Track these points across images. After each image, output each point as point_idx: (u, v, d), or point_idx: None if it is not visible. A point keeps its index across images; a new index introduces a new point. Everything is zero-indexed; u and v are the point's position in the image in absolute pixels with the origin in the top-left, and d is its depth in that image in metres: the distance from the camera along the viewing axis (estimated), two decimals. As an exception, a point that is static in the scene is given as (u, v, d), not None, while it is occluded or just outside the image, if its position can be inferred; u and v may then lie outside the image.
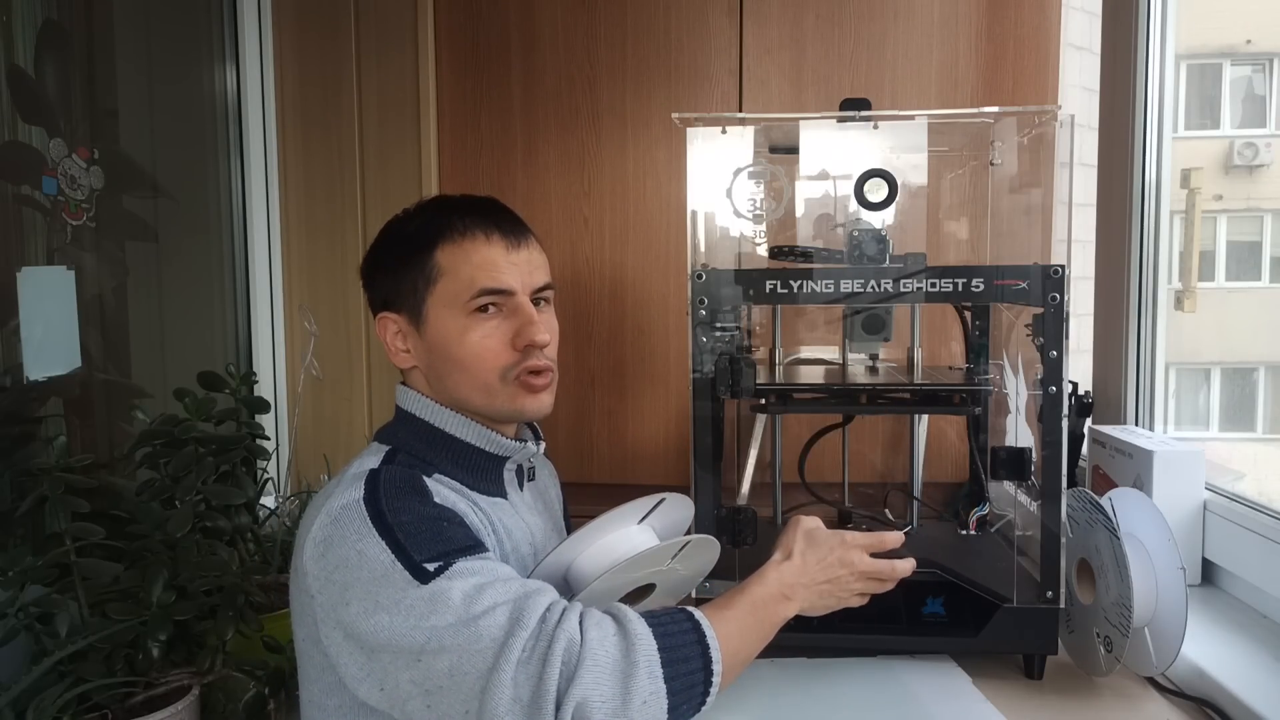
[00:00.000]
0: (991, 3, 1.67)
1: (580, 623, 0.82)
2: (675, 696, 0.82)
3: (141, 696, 1.09)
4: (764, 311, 1.43)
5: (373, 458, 0.97)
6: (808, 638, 1.21)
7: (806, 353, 1.49)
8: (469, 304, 0.97)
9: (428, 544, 0.85)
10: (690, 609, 0.90)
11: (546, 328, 0.99)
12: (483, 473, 1.01)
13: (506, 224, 1.01)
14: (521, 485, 1.08)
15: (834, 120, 1.25)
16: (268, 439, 1.49)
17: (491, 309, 0.98)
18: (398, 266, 0.99)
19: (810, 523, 1.04)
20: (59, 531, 1.14)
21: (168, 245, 1.65)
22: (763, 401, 1.26)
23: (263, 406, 1.49)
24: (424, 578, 0.82)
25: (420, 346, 1.00)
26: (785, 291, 1.18)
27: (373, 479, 0.90)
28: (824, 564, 0.99)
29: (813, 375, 1.43)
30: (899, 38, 1.68)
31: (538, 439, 1.10)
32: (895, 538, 1.04)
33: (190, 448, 1.30)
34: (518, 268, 0.99)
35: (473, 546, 0.88)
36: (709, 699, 0.86)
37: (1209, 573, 1.38)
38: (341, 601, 0.84)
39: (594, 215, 1.76)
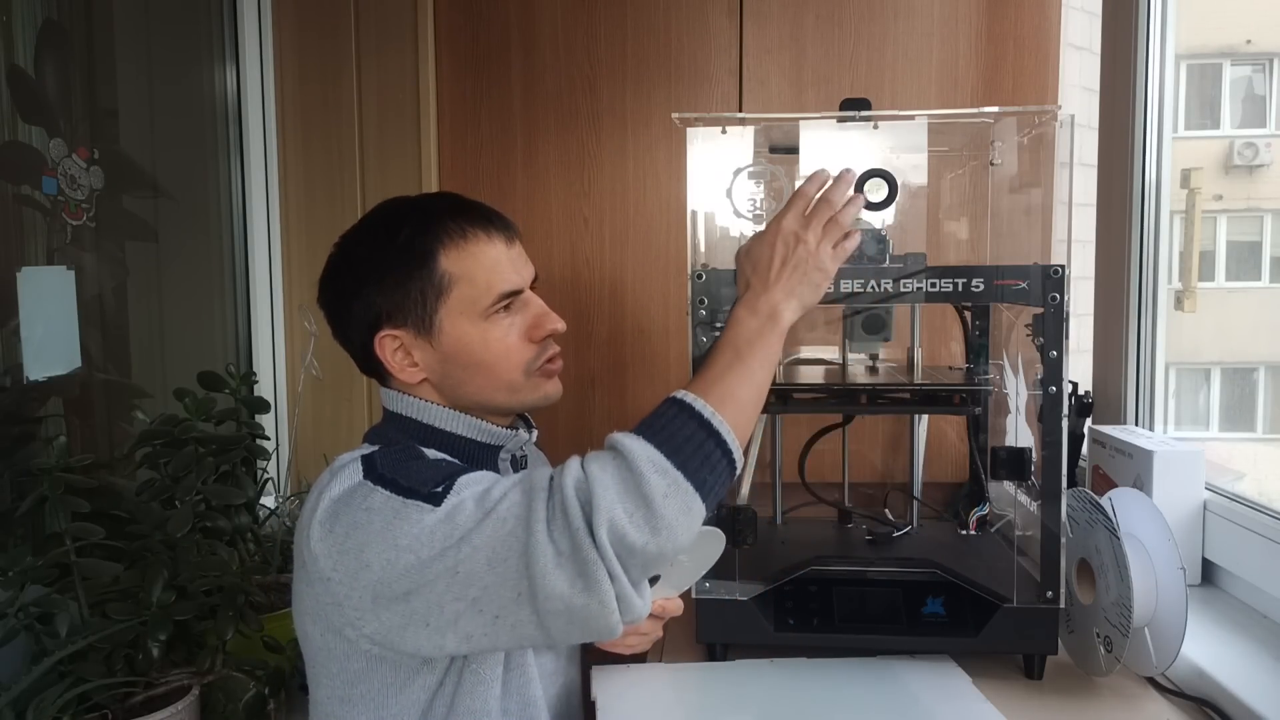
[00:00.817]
0: (991, 3, 1.67)
1: (582, 465, 0.84)
2: (695, 475, 0.84)
3: (141, 696, 1.09)
4: (764, 311, 1.42)
5: (362, 450, 0.97)
6: (808, 638, 1.21)
7: (806, 353, 1.49)
8: (488, 309, 0.97)
9: (431, 479, 0.87)
10: (675, 393, 0.91)
11: None
12: (478, 464, 1.01)
13: (497, 219, 1.01)
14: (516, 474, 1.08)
15: (834, 120, 1.25)
16: (268, 439, 1.50)
17: (505, 310, 0.98)
18: (395, 279, 0.96)
19: (747, 243, 1.01)
20: (59, 531, 1.14)
21: (168, 245, 1.65)
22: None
23: (263, 406, 1.49)
24: (435, 500, 0.84)
25: (433, 357, 0.98)
26: (785, 291, 1.18)
27: (368, 459, 0.91)
28: (775, 260, 0.97)
29: (813, 375, 1.43)
30: (899, 38, 1.68)
31: (530, 427, 1.09)
32: (819, 176, 1.02)
33: (190, 448, 1.30)
34: (518, 263, 1.01)
35: (471, 470, 0.90)
36: (736, 458, 0.88)
37: (1209, 573, 1.38)
38: (361, 565, 0.84)
39: (594, 215, 1.76)
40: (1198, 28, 7.56)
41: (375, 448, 0.97)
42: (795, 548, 1.32)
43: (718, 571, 1.11)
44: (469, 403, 1.00)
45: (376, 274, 0.96)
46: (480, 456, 1.02)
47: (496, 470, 1.04)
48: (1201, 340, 7.36)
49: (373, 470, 0.89)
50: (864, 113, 1.23)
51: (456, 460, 0.99)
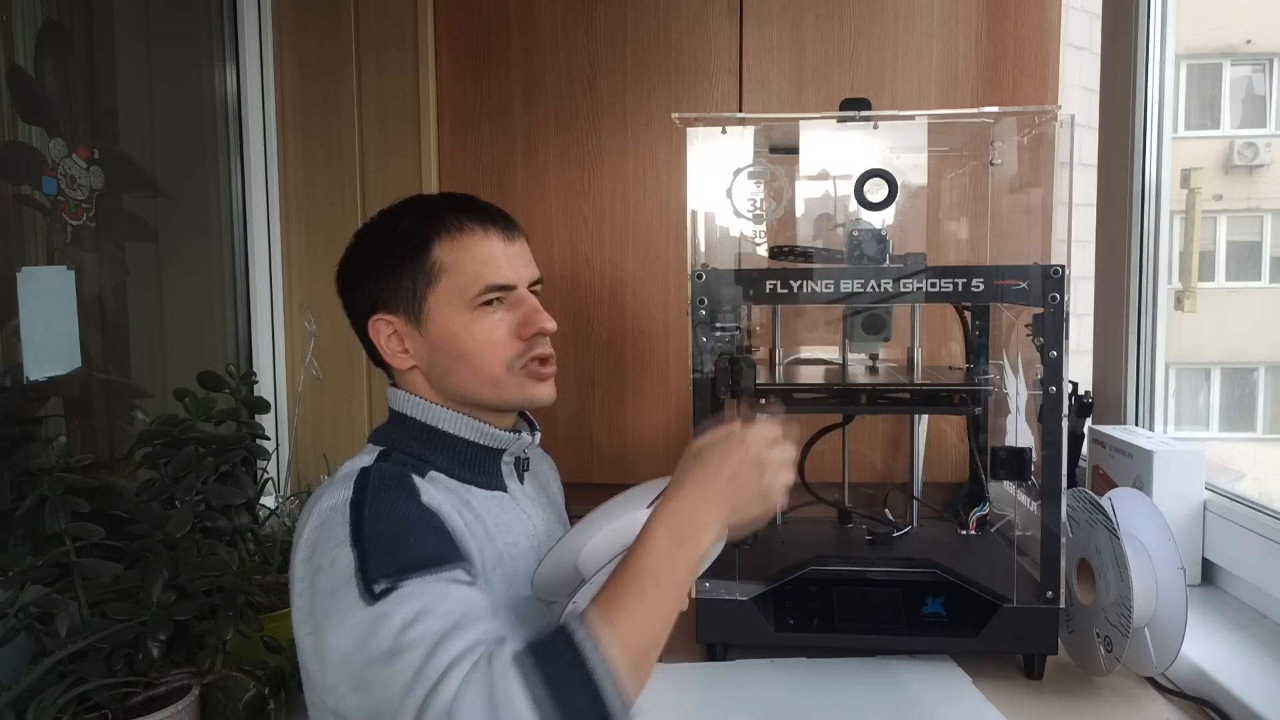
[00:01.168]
0: (991, 3, 1.67)
1: (459, 684, 0.75)
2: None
3: (141, 696, 1.09)
4: (764, 311, 1.43)
5: (366, 457, 0.97)
6: (808, 638, 1.21)
7: (806, 353, 1.49)
8: (475, 300, 0.97)
9: (391, 556, 0.83)
10: (569, 625, 0.79)
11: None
12: (480, 467, 1.01)
13: (500, 218, 1.02)
14: (521, 478, 1.08)
15: (834, 120, 1.25)
16: (268, 439, 1.49)
17: (495, 303, 0.99)
18: (391, 267, 0.99)
19: (700, 441, 0.89)
20: (59, 531, 1.14)
21: (168, 245, 1.65)
22: (763, 401, 1.26)
23: (263, 406, 1.49)
24: (371, 599, 0.80)
25: (421, 345, 0.99)
26: (785, 291, 1.18)
27: (362, 477, 0.90)
28: (720, 474, 0.85)
29: (813, 375, 1.43)
30: (899, 38, 1.68)
31: (533, 429, 1.09)
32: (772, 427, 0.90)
33: (190, 448, 1.30)
34: (515, 260, 1.01)
35: (435, 562, 0.84)
36: (611, 707, 0.77)
37: (1209, 573, 1.38)
38: (315, 606, 0.84)
39: (594, 215, 1.76)
40: (1198, 28, 7.57)
41: (380, 449, 0.98)
42: (795, 548, 1.32)
43: (718, 571, 1.11)
44: (456, 395, 1.00)
45: (375, 261, 1.00)
46: (482, 460, 1.02)
47: (500, 473, 1.04)
48: (1201, 340, 7.36)
49: (360, 501, 0.86)
50: (864, 113, 1.23)
51: (460, 481, 0.98)
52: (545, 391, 1.02)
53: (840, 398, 1.34)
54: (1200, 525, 1.37)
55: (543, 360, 1.01)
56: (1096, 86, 1.62)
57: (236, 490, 1.33)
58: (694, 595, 1.18)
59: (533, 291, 1.03)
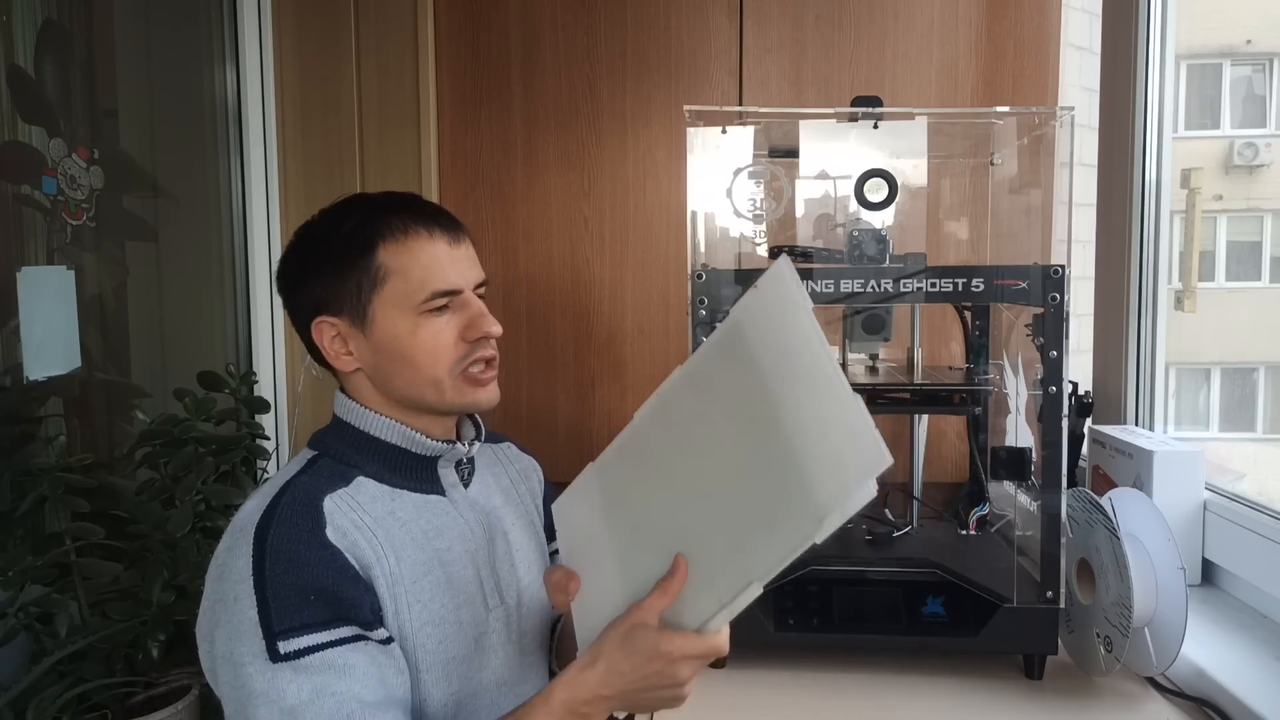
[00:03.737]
0: (991, 3, 1.67)
1: None
2: None
3: (141, 696, 1.09)
4: (764, 311, 1.43)
5: (295, 464, 0.97)
6: (808, 638, 1.21)
7: (806, 353, 1.49)
8: (421, 305, 0.96)
9: (293, 612, 0.85)
10: None
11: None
12: (412, 472, 1.00)
13: (445, 220, 1.00)
14: (466, 483, 1.05)
15: (835, 120, 1.25)
16: (268, 439, 1.49)
17: (442, 309, 0.97)
18: (334, 268, 0.97)
19: (638, 618, 0.85)
20: (59, 531, 1.14)
21: (168, 245, 1.65)
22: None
23: (263, 406, 1.49)
24: (274, 657, 0.83)
25: (366, 348, 0.98)
26: (785, 291, 1.18)
27: (274, 502, 0.90)
28: (638, 675, 0.84)
29: (813, 375, 1.43)
30: (899, 38, 1.68)
31: (479, 432, 1.07)
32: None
33: (190, 448, 1.30)
34: (461, 264, 0.99)
35: (333, 620, 0.86)
36: None
37: (1209, 573, 1.38)
38: (213, 632, 0.86)
39: (594, 215, 1.76)
40: (1198, 28, 7.56)
41: (313, 453, 0.98)
42: (795, 548, 1.32)
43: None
44: (399, 397, 0.99)
45: (319, 263, 0.98)
46: (414, 465, 1.00)
47: (437, 479, 1.02)
48: (1201, 340, 7.36)
49: (264, 532, 0.87)
50: (871, 109, 1.23)
51: (392, 485, 0.97)
52: (487, 396, 1.01)
53: (840, 398, 1.34)
54: (1200, 525, 1.37)
55: (485, 364, 1.00)
56: (1096, 86, 1.62)
57: (236, 490, 1.33)
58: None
59: (478, 294, 1.01)
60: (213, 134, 1.77)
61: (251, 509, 0.90)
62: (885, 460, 0.67)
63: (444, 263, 0.98)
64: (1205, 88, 7.86)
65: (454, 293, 0.98)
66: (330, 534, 0.89)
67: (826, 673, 1.20)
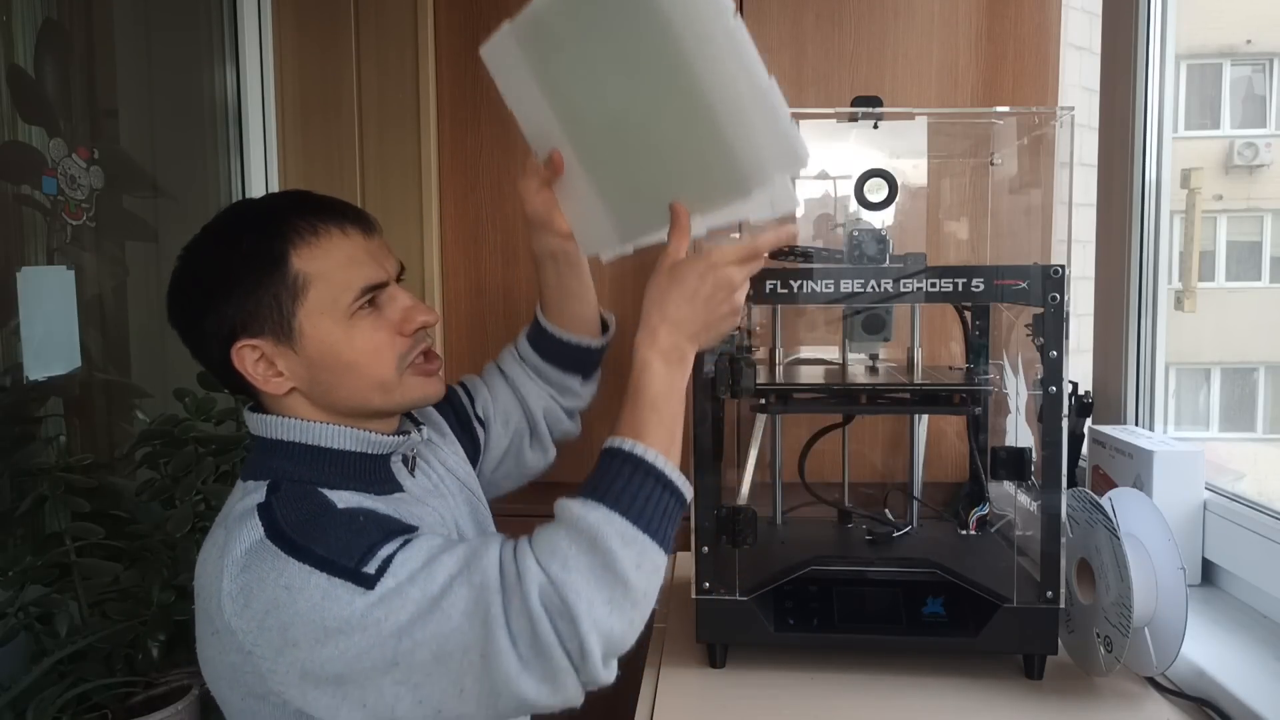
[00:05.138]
0: (991, 3, 1.67)
1: (538, 561, 0.80)
2: (659, 533, 0.84)
3: (141, 696, 1.09)
4: (764, 311, 1.43)
5: (253, 496, 0.88)
6: (808, 638, 1.21)
7: (806, 353, 1.49)
8: (351, 306, 0.91)
9: (355, 547, 0.81)
10: (615, 444, 0.89)
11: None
12: (372, 475, 0.96)
13: (352, 213, 0.95)
14: (413, 472, 1.03)
15: (836, 119, 1.25)
16: (268, 439, 1.49)
17: (370, 305, 0.93)
18: (245, 288, 0.89)
19: (670, 258, 0.93)
20: (59, 531, 1.14)
21: (168, 245, 1.65)
22: (763, 401, 1.26)
23: (263, 406, 1.48)
24: (368, 582, 0.79)
25: (298, 364, 0.91)
26: (785, 291, 1.18)
27: (266, 512, 0.85)
28: (698, 297, 0.92)
29: (813, 375, 1.43)
30: (899, 38, 1.68)
31: (418, 426, 1.05)
32: (785, 233, 0.96)
33: (190, 448, 1.30)
34: (379, 255, 0.95)
35: (396, 530, 0.85)
36: (687, 497, 0.89)
37: (1209, 573, 1.38)
38: (287, 643, 0.79)
39: (594, 215, 1.76)
40: (1198, 28, 7.57)
41: (264, 484, 0.89)
42: (795, 548, 1.32)
43: (717, 572, 1.10)
44: (345, 408, 0.94)
45: (225, 285, 0.90)
46: (372, 468, 0.96)
47: (393, 476, 0.98)
48: (1201, 340, 7.36)
49: (275, 528, 0.83)
50: (871, 109, 1.23)
51: (358, 491, 0.93)
52: (436, 387, 0.99)
53: (840, 398, 1.34)
54: (1200, 525, 1.37)
55: (428, 355, 0.97)
56: (1096, 86, 1.62)
57: (236, 490, 1.33)
58: (694, 596, 1.18)
59: (400, 281, 0.98)
60: (213, 134, 1.77)
61: (241, 534, 0.83)
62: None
63: (363, 257, 0.93)
64: (1205, 88, 7.86)
65: (380, 286, 0.94)
66: (343, 506, 0.88)
67: (826, 673, 1.20)
